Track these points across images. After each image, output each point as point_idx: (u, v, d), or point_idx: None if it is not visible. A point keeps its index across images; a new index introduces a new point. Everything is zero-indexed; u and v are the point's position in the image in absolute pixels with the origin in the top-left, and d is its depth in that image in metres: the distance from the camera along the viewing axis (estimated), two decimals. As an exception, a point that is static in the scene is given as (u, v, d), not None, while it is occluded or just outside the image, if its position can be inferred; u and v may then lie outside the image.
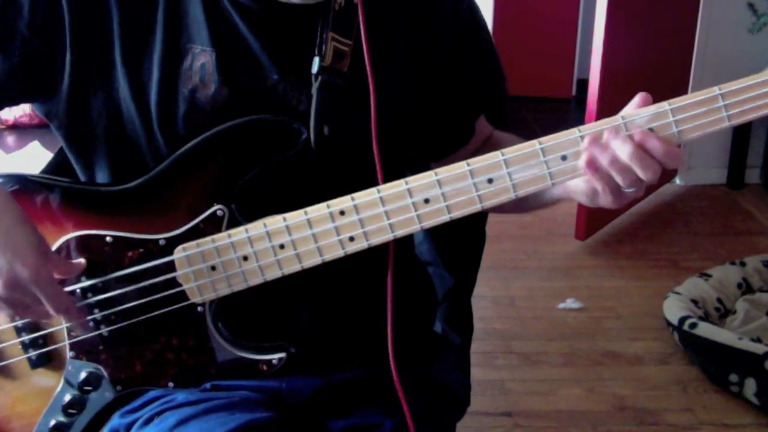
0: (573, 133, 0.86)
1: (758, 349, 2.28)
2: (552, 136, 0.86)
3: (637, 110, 0.85)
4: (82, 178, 1.06)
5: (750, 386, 2.29)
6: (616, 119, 0.85)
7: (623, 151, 0.85)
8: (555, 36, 5.22)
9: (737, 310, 2.64)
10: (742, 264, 2.85)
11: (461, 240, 1.31)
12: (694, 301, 2.63)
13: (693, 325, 2.46)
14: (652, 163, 0.85)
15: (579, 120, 4.40)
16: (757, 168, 3.90)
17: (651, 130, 0.84)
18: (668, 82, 3.57)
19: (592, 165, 0.86)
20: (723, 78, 0.84)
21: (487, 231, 1.33)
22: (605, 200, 0.90)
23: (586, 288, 3.00)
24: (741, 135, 3.78)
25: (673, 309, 2.58)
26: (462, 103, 1.12)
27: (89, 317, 0.99)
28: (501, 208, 0.97)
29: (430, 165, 1.15)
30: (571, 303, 2.88)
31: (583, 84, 4.07)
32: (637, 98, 0.86)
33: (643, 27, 3.31)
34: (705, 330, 2.42)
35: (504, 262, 3.15)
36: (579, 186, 0.91)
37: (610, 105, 2.93)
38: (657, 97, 0.86)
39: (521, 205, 1.04)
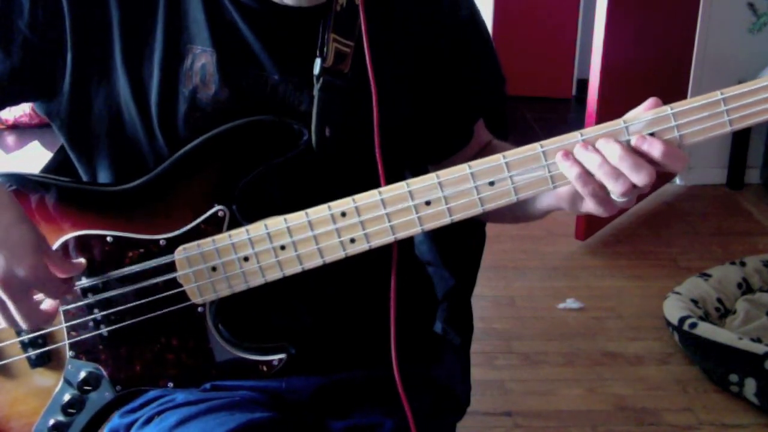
0: (575, 136, 0.85)
1: (758, 349, 2.29)
2: (554, 139, 0.86)
3: (637, 114, 0.85)
4: (84, 178, 1.06)
5: (750, 386, 2.29)
6: (617, 123, 0.85)
7: (613, 153, 0.84)
8: (555, 36, 5.22)
9: (737, 310, 2.64)
10: (742, 264, 2.85)
11: (461, 240, 1.31)
12: (694, 301, 2.63)
13: (693, 325, 2.46)
14: (644, 165, 0.83)
15: (579, 120, 4.40)
16: (757, 168, 3.90)
17: (652, 134, 0.84)
18: (668, 82, 3.58)
19: (582, 175, 0.86)
20: (723, 78, 0.84)
21: (487, 231, 1.33)
22: (589, 206, 0.89)
23: (586, 288, 3.00)
24: (741, 135, 3.77)
25: (673, 309, 2.58)
26: (460, 106, 1.11)
27: (89, 317, 0.99)
28: (495, 217, 0.97)
29: (428, 168, 1.15)
30: (571, 303, 2.88)
31: (583, 84, 4.07)
32: (648, 103, 0.85)
33: (643, 27, 3.30)
34: (705, 330, 2.42)
35: (504, 262, 3.15)
36: (564, 190, 0.91)
37: (610, 105, 2.97)
38: (657, 97, 0.86)
39: (513, 215, 1.05)
